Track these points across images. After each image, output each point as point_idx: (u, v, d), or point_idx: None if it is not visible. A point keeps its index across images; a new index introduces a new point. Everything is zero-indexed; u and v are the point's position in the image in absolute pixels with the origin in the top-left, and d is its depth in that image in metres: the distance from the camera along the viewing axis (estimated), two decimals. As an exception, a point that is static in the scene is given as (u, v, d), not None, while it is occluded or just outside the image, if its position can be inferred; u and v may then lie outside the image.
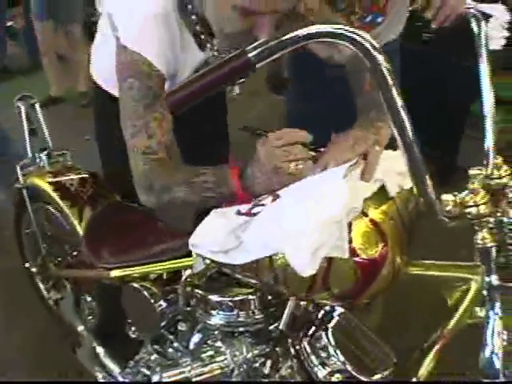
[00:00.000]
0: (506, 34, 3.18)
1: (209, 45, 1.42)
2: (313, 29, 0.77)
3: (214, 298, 1.34)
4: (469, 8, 1.71)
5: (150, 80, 1.27)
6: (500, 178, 1.06)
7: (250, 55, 0.79)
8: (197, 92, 0.81)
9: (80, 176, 1.90)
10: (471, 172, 1.07)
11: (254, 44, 0.80)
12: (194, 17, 1.35)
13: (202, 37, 1.39)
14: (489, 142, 1.11)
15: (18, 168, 2.05)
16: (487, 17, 2.94)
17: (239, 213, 1.12)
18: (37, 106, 2.18)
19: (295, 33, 0.77)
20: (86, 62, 4.97)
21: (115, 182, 1.84)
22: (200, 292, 1.37)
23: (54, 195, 1.86)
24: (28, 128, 2.13)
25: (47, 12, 4.68)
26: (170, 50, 1.32)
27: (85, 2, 4.78)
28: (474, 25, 1.29)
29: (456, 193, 0.98)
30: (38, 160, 2.06)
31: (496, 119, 1.19)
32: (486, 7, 3.08)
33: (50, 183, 1.91)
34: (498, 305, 1.03)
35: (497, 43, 3.10)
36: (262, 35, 1.19)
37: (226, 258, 1.11)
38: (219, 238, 1.11)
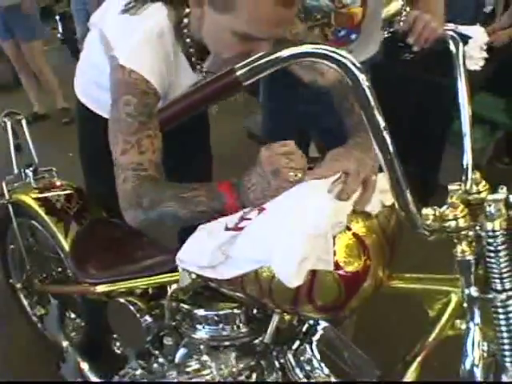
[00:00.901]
0: (485, 55, 3.25)
1: (198, 66, 1.45)
2: (298, 49, 0.80)
3: (200, 312, 1.35)
4: (448, 30, 1.76)
5: (147, 98, 1.29)
6: (478, 192, 1.09)
7: (238, 73, 0.81)
8: (186, 109, 0.84)
9: (66, 192, 1.91)
10: (450, 187, 1.10)
11: (242, 63, 0.82)
12: (188, 40, 1.38)
13: (196, 59, 1.42)
14: (467, 158, 1.14)
15: (4, 184, 2.05)
16: (466, 38, 3.01)
17: (226, 228, 1.13)
18: (23, 122, 2.20)
19: (281, 53, 0.80)
20: (57, 78, 4.89)
21: (99, 198, 1.85)
22: (185, 306, 1.39)
23: (40, 211, 1.87)
24: (14, 144, 2.14)
25: (6, 32, 4.72)
26: (165, 70, 1.35)
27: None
28: (452, 46, 1.32)
29: (436, 207, 1.00)
30: (23, 176, 2.07)
31: (476, 137, 1.23)
32: (464, 29, 3.15)
33: (35, 199, 1.92)
34: (477, 316, 1.05)
35: (476, 64, 3.17)
36: None
37: (213, 273, 1.13)
38: (206, 253, 1.12)
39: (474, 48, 3.22)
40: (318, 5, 1.89)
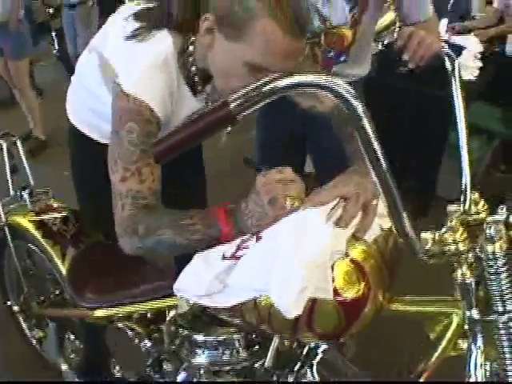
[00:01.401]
0: (480, 64, 3.27)
1: (200, 90, 1.44)
2: (293, 79, 0.79)
3: (199, 337, 1.34)
4: (442, 41, 1.76)
5: (150, 126, 1.29)
6: (478, 213, 1.08)
7: (231, 106, 0.80)
8: (180, 143, 0.82)
9: (63, 214, 1.90)
10: (449, 208, 1.09)
11: (235, 95, 0.81)
12: (193, 68, 1.37)
13: (198, 87, 1.42)
14: (466, 179, 1.14)
15: (0, 206, 2.04)
16: (460, 48, 3.03)
17: (224, 257, 1.12)
18: (18, 143, 2.19)
19: (275, 83, 0.79)
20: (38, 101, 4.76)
21: (95, 221, 1.85)
22: (185, 332, 1.38)
23: (37, 234, 1.86)
24: (9, 165, 2.13)
25: None
26: (169, 98, 1.34)
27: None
28: (447, 63, 1.32)
29: (435, 230, 0.99)
30: (19, 198, 2.06)
31: (473, 147, 1.22)
32: (459, 39, 3.18)
33: (32, 222, 1.91)
34: (479, 338, 1.05)
35: (471, 73, 3.19)
36: None
37: (211, 301, 1.12)
38: (204, 282, 1.12)
39: (468, 58, 3.25)
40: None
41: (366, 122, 0.83)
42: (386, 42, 3.38)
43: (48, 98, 5.64)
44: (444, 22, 3.77)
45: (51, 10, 6.38)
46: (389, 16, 3.37)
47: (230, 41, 1.23)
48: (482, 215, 1.07)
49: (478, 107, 3.47)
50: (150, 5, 1.39)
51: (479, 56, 3.28)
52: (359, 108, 0.83)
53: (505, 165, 4.09)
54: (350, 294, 1.03)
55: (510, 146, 3.74)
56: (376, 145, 0.86)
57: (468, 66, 3.13)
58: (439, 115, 3.11)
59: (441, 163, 3.24)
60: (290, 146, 2.18)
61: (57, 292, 2.02)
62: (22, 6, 4.58)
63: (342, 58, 1.99)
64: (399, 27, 2.20)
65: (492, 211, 1.07)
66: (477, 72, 3.24)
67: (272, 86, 0.79)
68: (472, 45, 3.22)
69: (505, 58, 3.79)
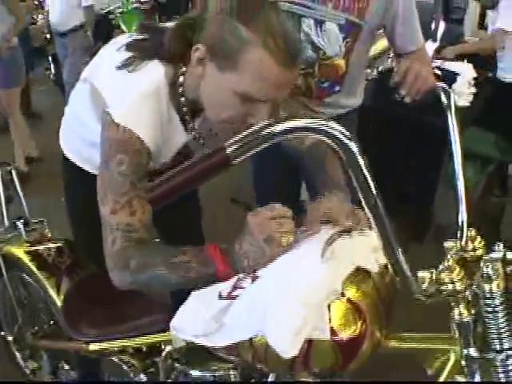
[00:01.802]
0: (473, 90, 3.29)
1: (190, 125, 1.44)
2: (288, 124, 0.79)
3: (195, 372, 1.33)
4: (436, 68, 1.77)
5: (140, 157, 1.27)
6: (474, 250, 1.08)
7: (228, 151, 0.80)
8: (176, 188, 0.82)
9: (57, 245, 1.89)
10: (446, 244, 1.09)
11: (232, 140, 0.81)
12: (183, 99, 1.36)
13: (187, 118, 1.41)
14: (462, 216, 1.14)
15: (-6, 236, 2.03)
16: (455, 75, 3.05)
17: (220, 297, 1.12)
18: (13, 172, 2.19)
19: (272, 128, 0.80)
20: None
21: (89, 253, 1.83)
22: (181, 366, 1.36)
23: (31, 265, 1.85)
24: (4, 195, 2.12)
25: None
26: (159, 129, 1.33)
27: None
28: (443, 97, 1.33)
29: (432, 269, 0.99)
30: (14, 228, 2.05)
31: (468, 175, 1.23)
32: (453, 65, 3.19)
33: (26, 253, 1.90)
34: (477, 376, 1.04)
35: (465, 100, 3.21)
36: (258, 119, 1.19)
37: (207, 341, 1.11)
38: (200, 322, 1.11)
39: (462, 84, 3.27)
40: (302, 55, 1.90)
41: (361, 162, 0.84)
42: (380, 69, 3.41)
43: (45, 123, 5.64)
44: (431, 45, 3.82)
45: (48, 35, 6.41)
46: (381, 43, 3.41)
47: (221, 71, 1.22)
48: (479, 252, 1.08)
49: (472, 132, 3.48)
50: (142, 36, 1.39)
51: (473, 82, 3.31)
52: (354, 148, 0.84)
53: (499, 189, 4.10)
54: (346, 334, 1.03)
55: (505, 171, 3.76)
56: (371, 183, 0.86)
57: (463, 92, 3.15)
58: (435, 142, 3.14)
59: (436, 190, 3.25)
60: (284, 175, 2.18)
61: (51, 322, 2.00)
62: (16, 33, 4.55)
63: (337, 89, 2.00)
64: (393, 54, 2.22)
65: (488, 246, 1.07)
66: (471, 98, 3.26)
67: (268, 131, 0.79)
68: (466, 71, 3.24)
69: (497, 83, 3.81)
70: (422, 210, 3.25)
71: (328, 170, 1.41)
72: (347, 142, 0.83)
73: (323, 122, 0.80)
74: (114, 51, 1.39)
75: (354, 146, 0.84)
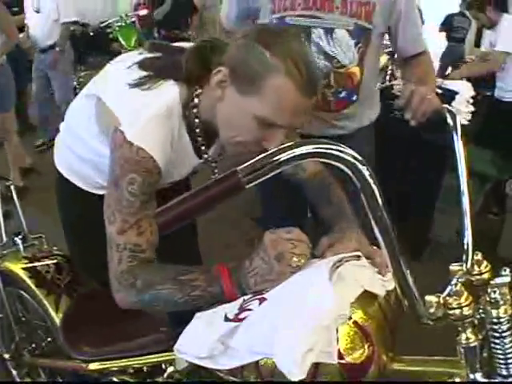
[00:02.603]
0: (472, 108, 3.32)
1: (203, 153, 1.44)
2: (301, 149, 0.79)
3: (198, 394, 1.32)
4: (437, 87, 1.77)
5: (152, 177, 1.27)
6: (480, 273, 1.08)
7: (240, 176, 0.80)
8: (185, 214, 0.82)
9: (56, 262, 1.87)
10: (452, 268, 1.08)
11: (245, 165, 0.81)
12: (196, 120, 1.36)
13: (200, 142, 1.41)
14: (468, 239, 1.13)
15: (-8, 252, 2.02)
16: (453, 93, 3.07)
17: (226, 319, 1.11)
18: (12, 187, 2.18)
19: (284, 154, 0.79)
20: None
21: (87, 270, 1.83)
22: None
23: (30, 283, 1.83)
24: (3, 211, 2.11)
25: None
26: (170, 149, 1.33)
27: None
28: (449, 119, 1.33)
29: (439, 294, 0.99)
30: (12, 244, 2.04)
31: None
32: (452, 84, 3.22)
33: (25, 269, 1.88)
34: (483, 400, 1.03)
35: (464, 118, 3.22)
36: (273, 145, 1.22)
37: (212, 363, 1.10)
38: (206, 344, 1.10)
39: (461, 102, 3.30)
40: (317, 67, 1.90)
41: (374, 186, 0.84)
42: (379, 86, 3.43)
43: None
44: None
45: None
46: (382, 59, 3.42)
47: (242, 94, 1.24)
48: (485, 276, 1.07)
49: (470, 150, 3.49)
50: (154, 55, 1.40)
51: (471, 101, 3.33)
52: (366, 172, 0.83)
53: (497, 207, 4.11)
54: (353, 357, 1.02)
55: (502, 189, 3.77)
56: (383, 208, 0.86)
57: (461, 110, 3.17)
58: (434, 158, 3.16)
59: (435, 207, 3.26)
60: (291, 195, 2.18)
61: (49, 340, 1.98)
62: (7, 50, 4.47)
63: (354, 98, 1.99)
64: (391, 70, 2.22)
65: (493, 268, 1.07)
66: (469, 116, 3.29)
67: (280, 156, 0.79)
68: (464, 90, 3.28)
69: (495, 102, 3.84)
70: (421, 228, 3.25)
71: (333, 201, 1.44)
72: (360, 166, 0.83)
73: (337, 147, 0.80)
74: (123, 69, 1.38)
75: (367, 172, 0.83)
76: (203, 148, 1.42)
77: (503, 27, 3.67)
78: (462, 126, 2.50)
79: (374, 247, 1.23)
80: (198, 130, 1.38)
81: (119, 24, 7.82)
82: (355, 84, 1.98)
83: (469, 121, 3.30)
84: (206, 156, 1.45)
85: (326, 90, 1.95)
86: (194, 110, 1.35)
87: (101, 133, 1.41)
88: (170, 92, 1.31)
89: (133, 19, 7.94)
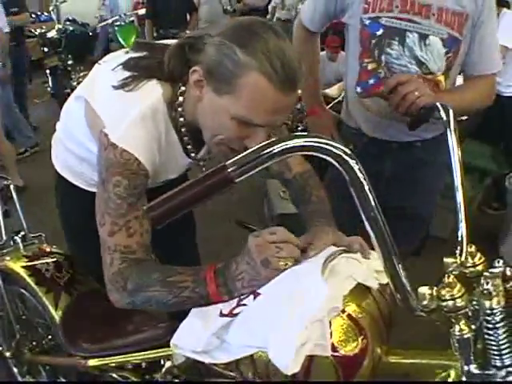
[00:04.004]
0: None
1: (192, 154, 1.44)
2: (290, 143, 0.80)
3: (195, 388, 1.32)
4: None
5: (137, 179, 1.26)
6: (474, 265, 1.08)
7: (229, 170, 0.80)
8: (177, 207, 0.82)
9: (56, 260, 1.88)
10: (446, 260, 1.09)
11: (234, 159, 0.81)
12: (181, 119, 1.34)
13: (189, 144, 1.40)
14: (462, 231, 1.14)
15: (-9, 250, 2.03)
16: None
17: (221, 314, 1.12)
18: (11, 187, 2.19)
19: (273, 148, 0.80)
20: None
21: (86, 268, 1.84)
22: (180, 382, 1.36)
23: (29, 281, 1.83)
24: (2, 210, 2.12)
25: None
26: (157, 149, 1.31)
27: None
28: (442, 113, 1.33)
29: (433, 286, 0.99)
30: (12, 243, 2.05)
31: (466, 188, 1.23)
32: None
33: (24, 268, 1.88)
34: (477, 392, 1.04)
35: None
36: (255, 144, 1.20)
37: (208, 357, 1.11)
38: (201, 339, 1.11)
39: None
40: (408, 71, 1.86)
41: (363, 181, 0.84)
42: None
43: (41, 136, 5.64)
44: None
45: (46, 49, 6.43)
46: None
47: (218, 94, 1.21)
48: (479, 268, 1.07)
49: (469, 145, 3.50)
50: (139, 54, 1.37)
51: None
52: (355, 167, 0.84)
53: (497, 202, 4.12)
54: (347, 350, 1.03)
55: (502, 184, 3.78)
56: (372, 200, 0.86)
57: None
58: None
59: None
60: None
61: (49, 336, 2.00)
62: None
63: None
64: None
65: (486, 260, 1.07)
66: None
67: (270, 149, 0.80)
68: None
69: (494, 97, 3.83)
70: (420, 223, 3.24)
71: (313, 201, 1.45)
72: (350, 161, 0.83)
73: (326, 141, 0.80)
74: (109, 70, 1.36)
75: (356, 166, 0.84)
76: (189, 147, 1.41)
77: (503, 22, 3.66)
78: (460, 121, 2.50)
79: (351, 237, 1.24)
80: (183, 130, 1.36)
81: (118, 23, 7.84)
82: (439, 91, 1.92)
83: (468, 116, 3.29)
84: (193, 155, 1.44)
85: None
86: (179, 109, 1.33)
87: (91, 133, 1.40)
88: (153, 92, 1.30)
89: (132, 18, 7.95)
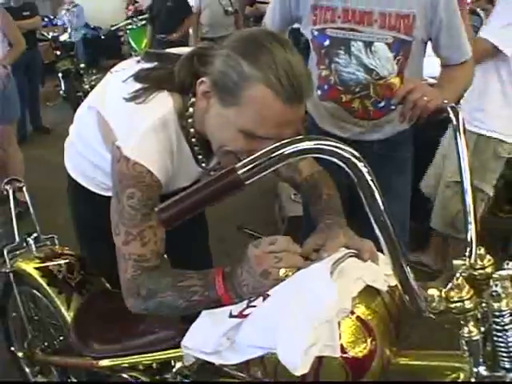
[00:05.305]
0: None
1: (204, 164, 1.44)
2: (299, 145, 0.80)
3: (206, 388, 1.33)
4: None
5: (151, 190, 1.27)
6: (483, 267, 1.08)
7: (239, 172, 0.81)
8: (187, 209, 0.83)
9: (68, 261, 1.90)
10: (455, 262, 1.09)
11: (243, 161, 0.82)
12: (192, 130, 1.35)
13: (200, 154, 1.41)
14: (471, 233, 1.14)
15: (5, 252, 2.03)
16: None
17: (231, 315, 1.13)
18: (24, 189, 2.21)
19: (282, 150, 0.80)
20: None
21: (99, 269, 1.86)
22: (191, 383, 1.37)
23: (42, 281, 1.85)
24: (15, 212, 2.13)
25: None
26: (169, 160, 1.32)
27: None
28: (452, 115, 1.33)
29: (441, 287, 0.99)
30: (25, 244, 2.06)
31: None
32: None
33: (37, 269, 1.90)
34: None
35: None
36: None
37: (218, 358, 1.13)
38: (211, 340, 1.12)
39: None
40: (356, 78, 1.91)
41: (372, 184, 0.84)
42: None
43: (54, 138, 5.68)
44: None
45: (58, 52, 6.49)
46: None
47: (224, 106, 1.22)
48: (488, 270, 1.07)
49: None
50: (149, 65, 1.38)
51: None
52: (364, 170, 0.84)
53: (508, 206, 4.08)
54: (356, 351, 1.04)
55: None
56: (380, 202, 0.87)
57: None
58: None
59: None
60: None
61: (61, 337, 2.01)
62: (14, 59, 4.41)
63: (393, 107, 1.97)
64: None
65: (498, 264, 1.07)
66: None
67: (279, 152, 0.80)
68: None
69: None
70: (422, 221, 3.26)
71: (323, 199, 1.45)
72: (359, 164, 0.83)
73: (335, 144, 0.81)
74: (119, 81, 1.37)
75: (365, 170, 0.84)
76: (200, 157, 1.42)
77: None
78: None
79: (362, 239, 1.23)
80: (193, 140, 1.37)
81: (130, 27, 7.88)
82: (394, 91, 1.92)
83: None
84: (204, 165, 1.45)
85: (366, 101, 1.95)
86: (190, 120, 1.33)
87: (105, 142, 1.42)
88: (164, 104, 1.31)
89: (143, 22, 7.98)
